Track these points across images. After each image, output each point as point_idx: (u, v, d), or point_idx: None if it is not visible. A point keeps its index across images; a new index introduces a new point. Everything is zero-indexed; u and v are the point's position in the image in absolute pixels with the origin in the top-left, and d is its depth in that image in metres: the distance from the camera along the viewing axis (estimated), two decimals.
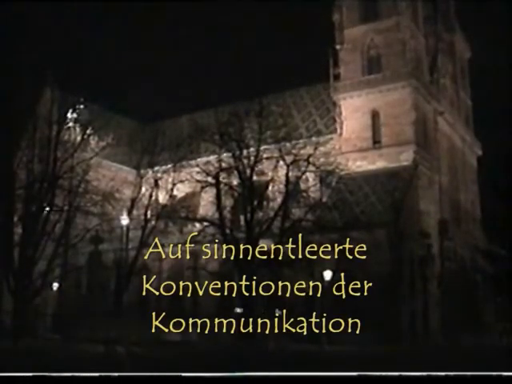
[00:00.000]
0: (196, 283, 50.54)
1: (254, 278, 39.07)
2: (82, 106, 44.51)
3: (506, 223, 40.86)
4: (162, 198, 49.96)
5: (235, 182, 42.02)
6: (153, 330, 41.72)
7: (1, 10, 35.38)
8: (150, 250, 48.79)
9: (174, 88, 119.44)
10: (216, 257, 45.07)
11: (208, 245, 44.60)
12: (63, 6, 39.71)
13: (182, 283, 52.42)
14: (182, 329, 42.52)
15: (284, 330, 39.34)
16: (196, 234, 43.16)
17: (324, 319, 40.43)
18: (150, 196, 47.26)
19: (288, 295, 42.02)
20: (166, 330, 42.37)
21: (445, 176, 57.25)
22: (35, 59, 39.20)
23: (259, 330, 37.57)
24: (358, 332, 38.69)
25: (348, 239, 38.99)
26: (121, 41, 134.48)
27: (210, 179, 41.39)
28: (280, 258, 40.19)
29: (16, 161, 38.77)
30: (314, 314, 42.83)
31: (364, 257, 39.49)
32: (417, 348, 38.75)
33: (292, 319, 42.16)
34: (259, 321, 38.33)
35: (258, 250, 39.46)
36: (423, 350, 37.21)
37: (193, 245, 46.88)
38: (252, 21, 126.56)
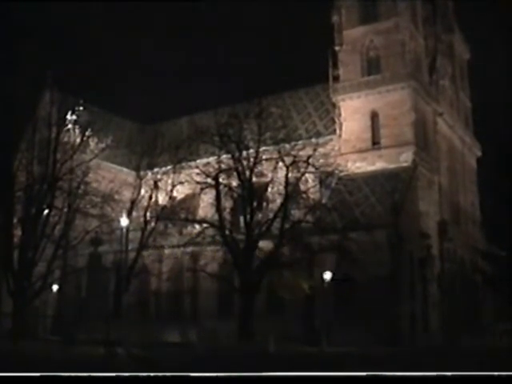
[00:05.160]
0: (196, 284, 50.60)
1: (254, 279, 39.11)
2: (81, 108, 44.56)
3: (506, 224, 40.87)
4: (162, 199, 50.01)
5: (235, 183, 42.02)
6: (153, 332, 41.69)
7: (1, 10, 35.45)
8: (150, 251, 48.88)
9: (174, 89, 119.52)
10: (215, 258, 45.09)
11: (207, 246, 44.63)
12: (63, 6, 39.75)
13: (181, 284, 52.49)
14: (182, 330, 42.54)
15: (284, 332, 39.18)
16: (195, 235, 43.20)
17: (324, 320, 40.45)
18: (150, 197, 47.35)
19: (288, 296, 42.05)
20: (166, 332, 42.38)
21: (444, 177, 57.25)
22: (35, 61, 39.26)
23: (259, 331, 37.56)
24: (357, 332, 38.69)
25: (348, 240, 38.97)
26: (121, 42, 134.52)
27: (209, 180, 41.39)
28: (280, 259, 40.23)
29: (16, 163, 38.85)
30: (314, 315, 42.89)
31: (364, 258, 39.50)
32: (417, 348, 38.74)
33: (292, 321, 42.21)
34: (259, 322, 38.36)
35: (257, 251, 39.51)
36: (423, 350, 37.19)
37: (192, 246, 46.97)
38: (251, 22, 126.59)
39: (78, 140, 42.72)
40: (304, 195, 41.50)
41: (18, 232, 38.97)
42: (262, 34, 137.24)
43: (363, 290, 41.41)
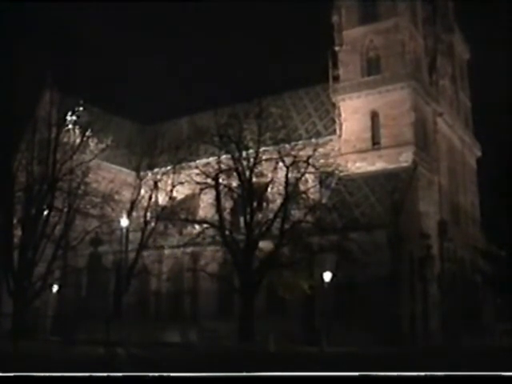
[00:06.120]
0: (196, 285, 50.61)
1: (254, 279, 39.13)
2: (81, 108, 44.52)
3: (506, 224, 40.88)
4: (162, 199, 49.99)
5: (235, 183, 42.05)
6: (153, 332, 41.74)
7: (1, 10, 35.46)
8: (150, 251, 48.86)
9: (174, 89, 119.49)
10: (215, 258, 45.11)
11: (207, 246, 44.64)
12: (63, 6, 39.76)
13: (181, 285, 52.49)
14: (182, 330, 42.57)
15: (284, 332, 39.20)
16: (195, 235, 43.21)
17: (324, 320, 40.44)
18: (150, 198, 47.30)
19: (288, 296, 42.05)
20: (166, 332, 42.43)
21: (444, 177, 57.23)
22: (35, 61, 39.28)
23: (259, 331, 37.59)
24: (358, 333, 38.71)
25: (348, 240, 38.97)
26: (121, 42, 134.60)
27: (209, 181, 41.41)
28: (280, 259, 40.23)
29: (15, 163, 38.84)
30: (314, 315, 42.88)
31: (364, 258, 39.48)
32: (417, 348, 38.74)
33: (292, 321, 42.23)
34: (259, 322, 38.37)
35: (257, 251, 39.51)
36: (423, 350, 37.20)
37: (192, 246, 46.96)
38: (252, 22, 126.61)
39: (78, 140, 42.71)
40: (304, 195, 41.47)
41: (18, 232, 38.97)
42: (262, 34, 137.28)
43: (363, 290, 41.43)
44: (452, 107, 63.31)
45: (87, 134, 43.06)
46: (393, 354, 32.00)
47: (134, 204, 45.87)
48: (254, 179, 41.22)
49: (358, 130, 52.75)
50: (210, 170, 41.89)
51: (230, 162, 41.54)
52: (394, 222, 43.30)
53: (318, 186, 45.93)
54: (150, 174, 47.86)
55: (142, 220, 45.89)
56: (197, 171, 42.13)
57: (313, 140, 51.49)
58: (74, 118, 43.98)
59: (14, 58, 37.73)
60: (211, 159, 45.06)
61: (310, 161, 40.80)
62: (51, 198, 39.07)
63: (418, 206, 49.75)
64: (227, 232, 40.81)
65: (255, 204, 41.31)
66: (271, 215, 40.77)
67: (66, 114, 41.74)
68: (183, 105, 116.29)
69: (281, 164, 41.01)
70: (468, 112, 69.09)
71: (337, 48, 55.61)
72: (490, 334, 48.76)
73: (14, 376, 12.06)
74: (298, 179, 41.38)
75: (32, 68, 39.43)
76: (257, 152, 41.03)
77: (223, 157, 42.37)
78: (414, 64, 54.18)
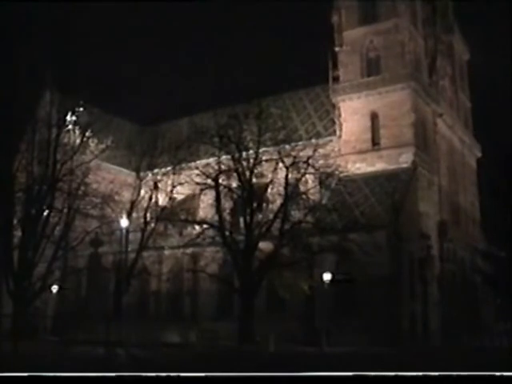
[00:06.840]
0: (196, 285, 50.63)
1: (254, 279, 39.12)
2: (81, 109, 44.40)
3: (506, 224, 40.87)
4: (162, 200, 49.99)
5: (234, 184, 42.06)
6: (153, 332, 41.72)
7: (1, 10, 35.44)
8: (150, 252, 48.87)
9: (174, 90, 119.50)
10: (215, 259, 45.11)
11: (207, 247, 44.65)
12: (63, 7, 39.70)
13: (181, 285, 52.49)
14: (182, 331, 42.56)
15: (284, 332, 39.21)
16: (195, 236, 43.21)
17: (324, 320, 40.44)
18: (150, 198, 47.30)
19: (288, 297, 42.05)
20: (166, 332, 42.42)
21: (444, 178, 57.23)
22: (35, 61, 39.25)
23: (259, 331, 37.58)
24: (357, 333, 38.70)
25: (348, 241, 38.97)
26: (121, 42, 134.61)
27: (209, 181, 41.42)
28: (279, 259, 40.22)
29: (15, 163, 38.76)
30: (314, 315, 42.88)
31: (364, 258, 39.49)
32: (417, 348, 38.74)
33: (292, 321, 42.21)
34: (259, 322, 38.37)
35: (257, 252, 39.50)
36: (423, 350, 37.20)
37: (192, 247, 46.98)
38: (251, 22, 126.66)
39: (78, 141, 42.60)
40: (304, 196, 41.50)
41: (17, 233, 38.91)
42: (262, 34, 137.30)
43: (363, 291, 41.43)
44: (452, 108, 63.32)
45: (87, 134, 42.95)
46: (393, 354, 32.00)
47: (133, 204, 45.86)
48: (254, 180, 41.21)
49: (357, 131, 52.76)
50: (210, 170, 41.87)
51: (230, 163, 41.54)
52: (394, 222, 43.31)
53: (317, 187, 45.93)
54: (149, 175, 47.86)
55: (141, 221, 45.88)
56: (197, 172, 42.13)
57: (313, 141, 51.46)
58: (74, 118, 43.85)
59: (14, 58, 37.68)
60: (211, 160, 45.06)
61: (310, 161, 40.81)
62: (51, 199, 38.99)
63: (418, 206, 49.75)
64: (227, 233, 40.81)
65: (255, 205, 41.31)
66: (271, 216, 40.78)
67: (66, 115, 41.61)
68: (183, 105, 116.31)
69: (281, 165, 41.01)
70: (468, 112, 69.10)
71: (337, 49, 55.65)
72: (489, 334, 48.76)
73: (14, 376, 12.07)
74: (297, 180, 41.40)
75: (32, 68, 39.37)
76: (257, 153, 41.03)
77: (223, 157, 42.37)
78: (414, 65, 54.19)
